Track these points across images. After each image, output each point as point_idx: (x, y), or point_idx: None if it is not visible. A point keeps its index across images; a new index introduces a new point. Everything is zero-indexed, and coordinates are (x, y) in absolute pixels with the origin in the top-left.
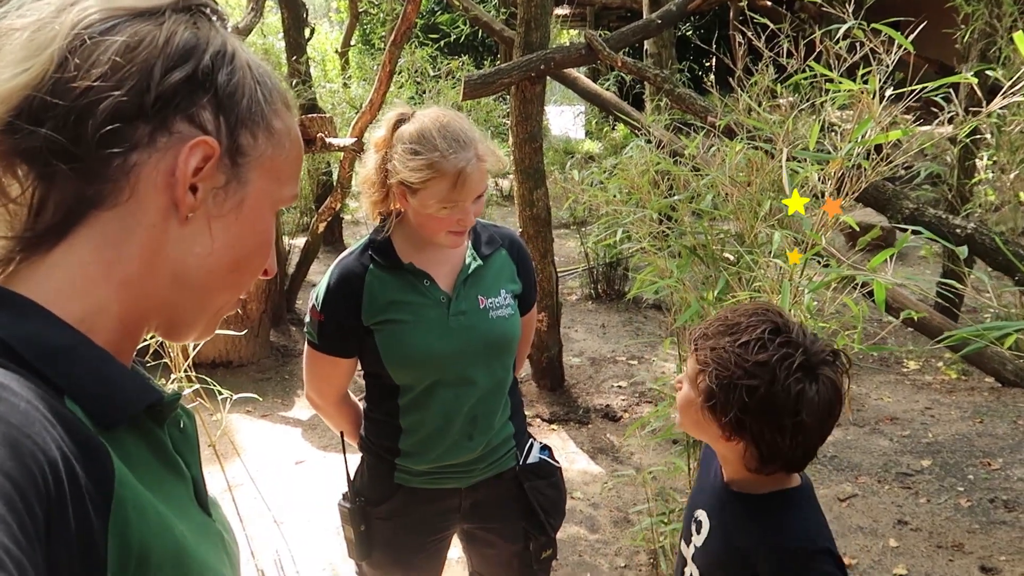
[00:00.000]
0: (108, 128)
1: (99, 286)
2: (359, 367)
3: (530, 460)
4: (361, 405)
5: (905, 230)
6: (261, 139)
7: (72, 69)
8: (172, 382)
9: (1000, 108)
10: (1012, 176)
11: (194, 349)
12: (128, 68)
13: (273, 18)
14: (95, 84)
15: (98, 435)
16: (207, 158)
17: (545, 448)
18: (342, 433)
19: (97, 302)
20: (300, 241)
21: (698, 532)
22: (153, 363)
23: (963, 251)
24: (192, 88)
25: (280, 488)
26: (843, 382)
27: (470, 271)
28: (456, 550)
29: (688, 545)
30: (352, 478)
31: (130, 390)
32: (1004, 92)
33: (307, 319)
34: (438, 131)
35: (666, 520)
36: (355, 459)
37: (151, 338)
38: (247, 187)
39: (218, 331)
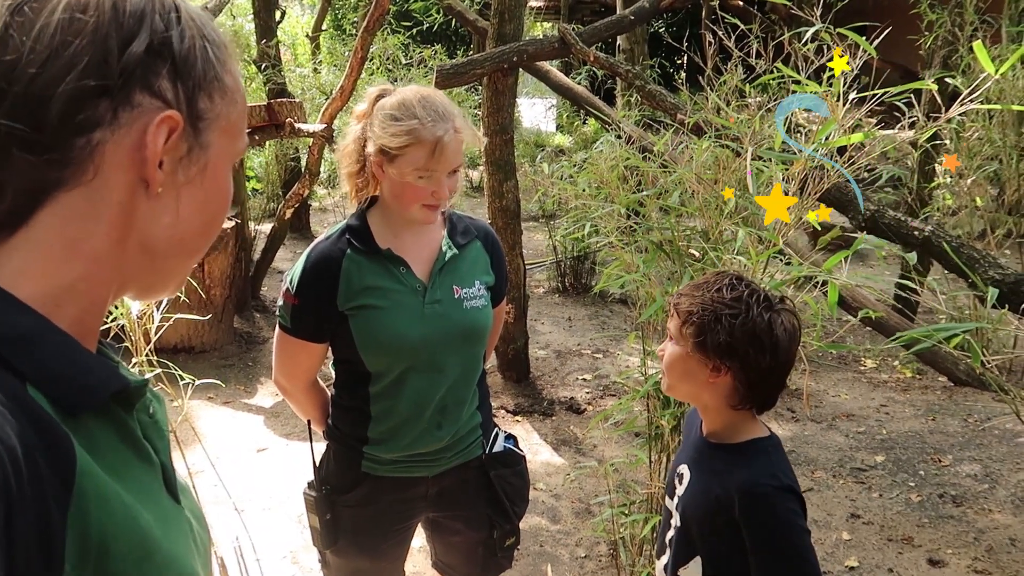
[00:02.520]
0: (70, 111)
1: (63, 265)
2: (329, 353)
3: (495, 449)
4: (329, 392)
5: (866, 230)
6: (217, 100)
7: (18, 47)
8: (133, 367)
9: (959, 115)
10: (969, 181)
11: (156, 334)
12: (79, 42)
13: None
14: (48, 65)
15: (62, 423)
16: (172, 131)
17: (510, 437)
18: (309, 421)
19: (61, 281)
20: (266, 227)
21: (680, 483)
22: (116, 345)
23: (912, 258)
24: (151, 59)
25: (241, 475)
26: (797, 320)
27: (446, 259)
28: (419, 539)
29: (672, 499)
30: (318, 466)
31: (95, 376)
32: (962, 99)
33: (280, 302)
34: (418, 102)
35: (627, 511)
36: (321, 447)
37: (111, 321)
38: (209, 151)
39: (180, 316)
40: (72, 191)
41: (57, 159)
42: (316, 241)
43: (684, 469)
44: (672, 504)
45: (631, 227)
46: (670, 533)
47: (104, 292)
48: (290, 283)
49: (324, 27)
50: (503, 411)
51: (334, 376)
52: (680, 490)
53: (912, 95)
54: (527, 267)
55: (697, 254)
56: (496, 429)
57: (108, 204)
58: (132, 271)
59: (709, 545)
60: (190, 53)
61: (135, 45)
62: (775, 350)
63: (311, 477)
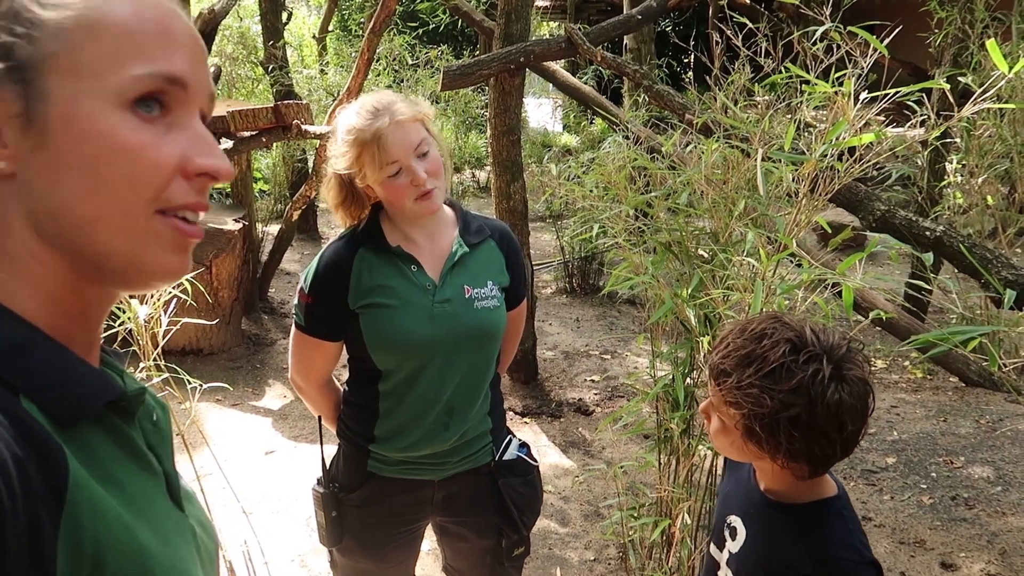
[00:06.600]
0: None
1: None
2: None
3: (507, 457)
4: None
5: (876, 231)
6: (39, 37)
7: None
8: (140, 371)
9: (970, 113)
10: (980, 180)
11: (163, 337)
12: None
13: (250, 0)
14: None
15: (55, 434)
16: None
17: (523, 446)
18: (320, 418)
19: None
20: (274, 229)
21: (732, 538)
22: (122, 351)
23: (928, 258)
24: None
25: (249, 478)
26: (867, 369)
27: (456, 258)
28: (429, 542)
29: (721, 550)
30: (328, 465)
31: (89, 386)
32: (974, 98)
33: (295, 301)
34: (355, 114)
35: (636, 514)
36: (332, 448)
37: (119, 326)
38: (49, 99)
39: (188, 319)
40: None
41: None
42: (331, 241)
43: (737, 523)
44: (721, 556)
45: (639, 228)
46: None
47: (65, 293)
48: (304, 282)
49: (330, 28)
50: (511, 413)
51: (348, 373)
52: (732, 545)
53: (923, 93)
54: (535, 268)
55: (706, 255)
56: (509, 436)
57: None
58: (59, 260)
59: None
60: None
61: None
62: (846, 442)
63: (320, 474)
